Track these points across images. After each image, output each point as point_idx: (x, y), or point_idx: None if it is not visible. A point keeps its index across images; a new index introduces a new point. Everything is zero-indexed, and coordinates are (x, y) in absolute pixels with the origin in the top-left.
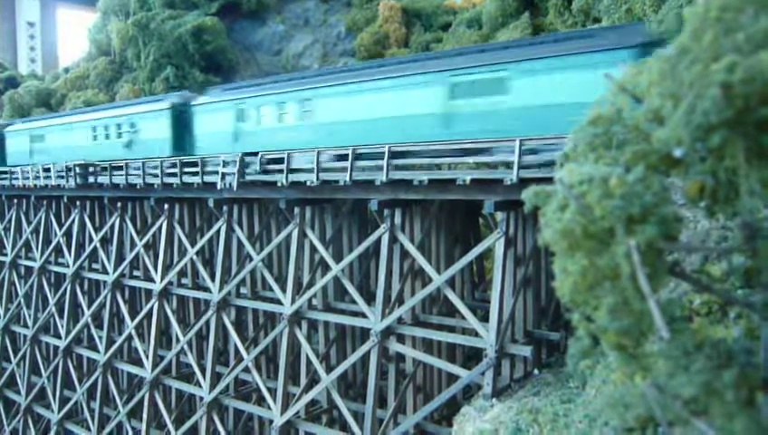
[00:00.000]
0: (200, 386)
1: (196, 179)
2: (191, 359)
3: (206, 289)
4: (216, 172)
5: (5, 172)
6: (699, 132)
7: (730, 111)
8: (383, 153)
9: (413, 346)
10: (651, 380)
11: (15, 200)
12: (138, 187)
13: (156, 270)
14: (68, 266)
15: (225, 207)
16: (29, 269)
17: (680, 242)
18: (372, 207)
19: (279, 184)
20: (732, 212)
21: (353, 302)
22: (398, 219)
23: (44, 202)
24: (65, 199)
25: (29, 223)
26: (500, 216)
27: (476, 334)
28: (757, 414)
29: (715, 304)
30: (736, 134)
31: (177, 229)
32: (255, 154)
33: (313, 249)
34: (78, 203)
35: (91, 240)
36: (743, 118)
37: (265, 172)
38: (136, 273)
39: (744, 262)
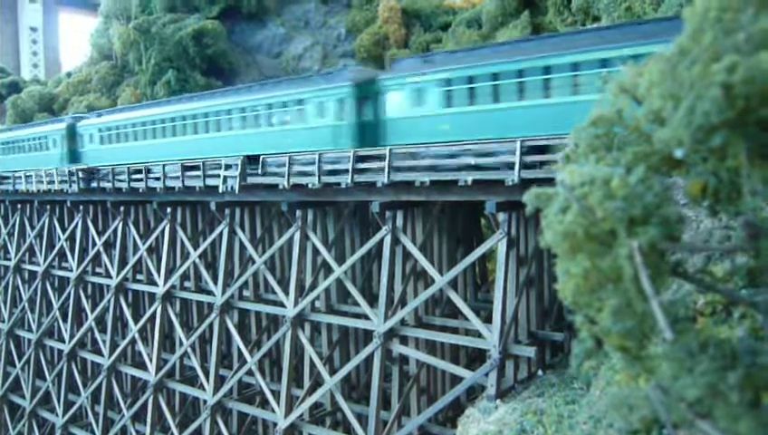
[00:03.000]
0: (204, 389)
1: (198, 183)
2: (195, 362)
3: (209, 292)
4: (218, 175)
5: (7, 178)
6: (700, 133)
7: (731, 112)
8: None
9: (416, 348)
10: (655, 381)
11: (19, 205)
12: (140, 191)
13: (159, 274)
14: (71, 271)
15: (227, 211)
16: (33, 274)
17: (683, 242)
18: (374, 209)
19: (281, 187)
20: (734, 211)
21: (356, 304)
22: (399, 221)
23: (48, 207)
24: (68, 204)
25: (33, 227)
26: (502, 216)
27: (480, 336)
28: (762, 416)
29: (718, 305)
30: (738, 134)
31: (180, 233)
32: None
33: (316, 252)
34: (81, 207)
35: (94, 244)
36: (744, 118)
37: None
38: (139, 277)
39: (748, 261)
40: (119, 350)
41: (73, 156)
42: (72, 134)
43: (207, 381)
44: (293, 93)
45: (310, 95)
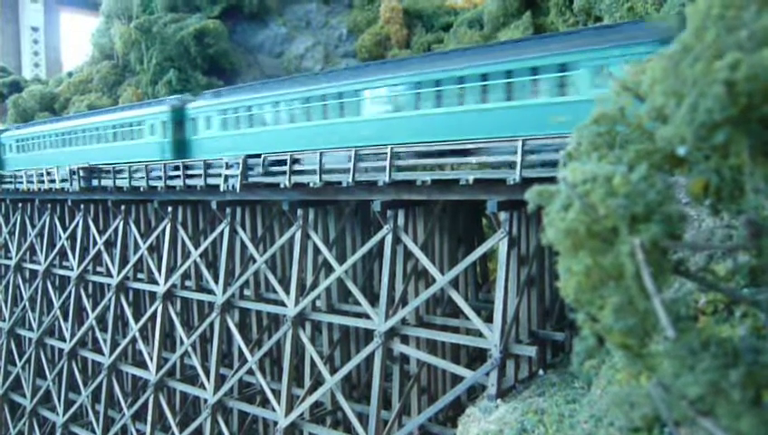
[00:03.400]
0: (204, 388)
1: (199, 182)
2: (195, 361)
3: (210, 291)
4: (219, 175)
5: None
6: (703, 130)
7: (734, 109)
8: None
9: (417, 347)
10: (657, 379)
11: (20, 204)
12: (141, 189)
13: (159, 273)
14: (72, 270)
15: (228, 210)
16: (34, 272)
17: (685, 240)
18: (375, 208)
19: (282, 186)
20: (737, 210)
21: (357, 303)
22: (401, 220)
23: (49, 206)
24: (69, 203)
25: (33, 226)
26: (503, 216)
27: (481, 335)
28: (764, 414)
29: (720, 303)
30: (740, 132)
31: (181, 232)
32: None
33: (317, 251)
34: (82, 206)
35: (95, 243)
36: (747, 115)
37: (268, 174)
38: (140, 275)
39: (750, 260)
40: (119, 349)
41: (181, 146)
42: (178, 119)
43: (208, 380)
44: (553, 54)
45: (584, 57)
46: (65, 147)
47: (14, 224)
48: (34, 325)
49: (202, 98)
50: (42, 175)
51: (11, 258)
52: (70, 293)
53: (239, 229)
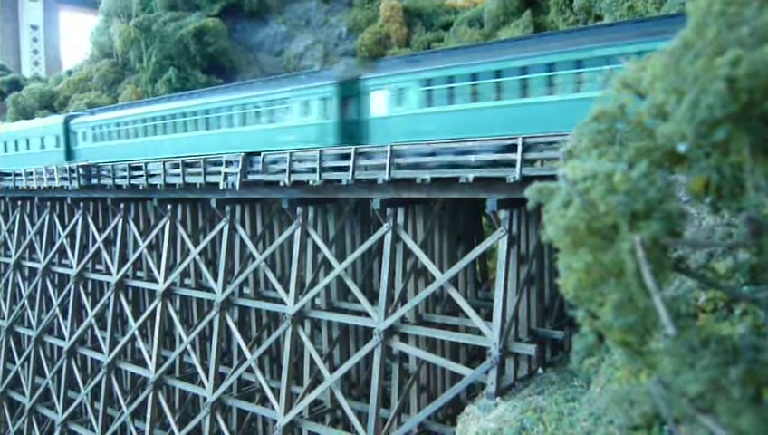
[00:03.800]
0: (204, 386)
1: (199, 180)
2: (194, 359)
3: (209, 289)
4: (219, 172)
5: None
6: (703, 127)
7: (735, 106)
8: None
9: (416, 345)
10: (657, 377)
11: (20, 202)
12: (140, 187)
13: (159, 271)
14: (72, 268)
15: (227, 208)
16: (33, 270)
17: (685, 238)
18: (375, 206)
19: (281, 184)
20: (737, 208)
21: (356, 301)
22: (400, 218)
23: (48, 204)
24: (69, 201)
25: (33, 224)
26: (503, 214)
27: (480, 333)
28: (764, 411)
29: (720, 301)
30: (741, 129)
31: (180, 230)
32: None
33: (316, 249)
34: (81, 204)
35: (94, 241)
36: (748, 112)
37: (268, 172)
38: (139, 274)
39: (750, 258)
40: (118, 347)
41: (351, 128)
42: (348, 94)
43: (207, 378)
44: None
45: None
46: (166, 133)
47: (14, 222)
48: (33, 323)
49: (384, 68)
50: (41, 172)
51: (10, 256)
52: (69, 291)
53: (239, 227)
